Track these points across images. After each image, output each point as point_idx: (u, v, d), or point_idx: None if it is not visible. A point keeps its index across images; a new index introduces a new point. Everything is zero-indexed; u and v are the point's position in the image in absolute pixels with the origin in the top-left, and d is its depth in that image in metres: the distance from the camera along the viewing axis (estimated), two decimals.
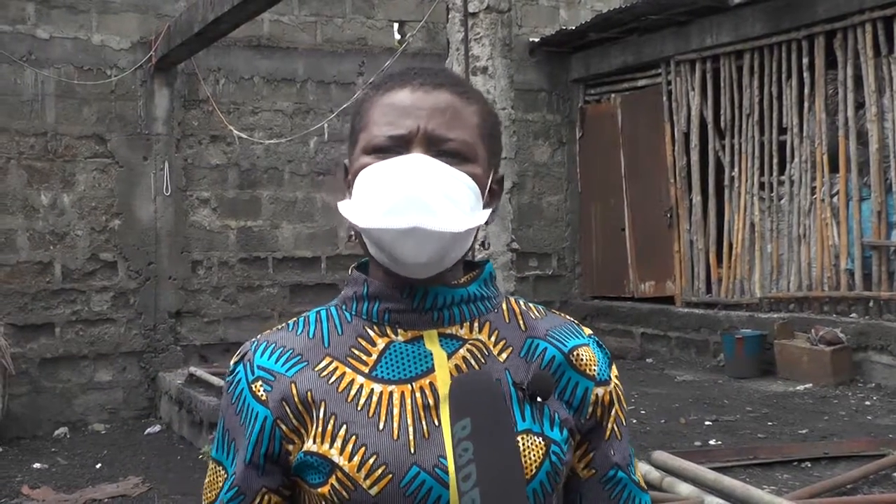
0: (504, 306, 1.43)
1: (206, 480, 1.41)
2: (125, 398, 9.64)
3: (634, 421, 7.45)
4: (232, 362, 1.40)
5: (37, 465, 7.93)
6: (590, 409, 1.39)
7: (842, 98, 9.02)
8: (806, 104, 9.34)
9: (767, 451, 6.30)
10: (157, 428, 9.19)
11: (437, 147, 1.31)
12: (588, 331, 1.46)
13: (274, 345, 1.37)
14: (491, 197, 1.40)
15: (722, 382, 9.05)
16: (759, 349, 9.18)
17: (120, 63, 9.62)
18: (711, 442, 6.84)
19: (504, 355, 1.36)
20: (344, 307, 1.40)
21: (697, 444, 6.85)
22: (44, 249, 9.34)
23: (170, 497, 6.85)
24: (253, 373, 1.35)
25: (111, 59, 9.62)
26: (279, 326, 1.42)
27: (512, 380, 1.33)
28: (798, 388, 8.53)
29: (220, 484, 1.38)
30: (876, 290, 8.71)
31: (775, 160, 9.66)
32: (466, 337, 1.36)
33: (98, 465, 7.91)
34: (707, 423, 7.46)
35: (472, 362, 1.33)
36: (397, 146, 1.31)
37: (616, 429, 1.42)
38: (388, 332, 1.35)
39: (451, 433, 1.24)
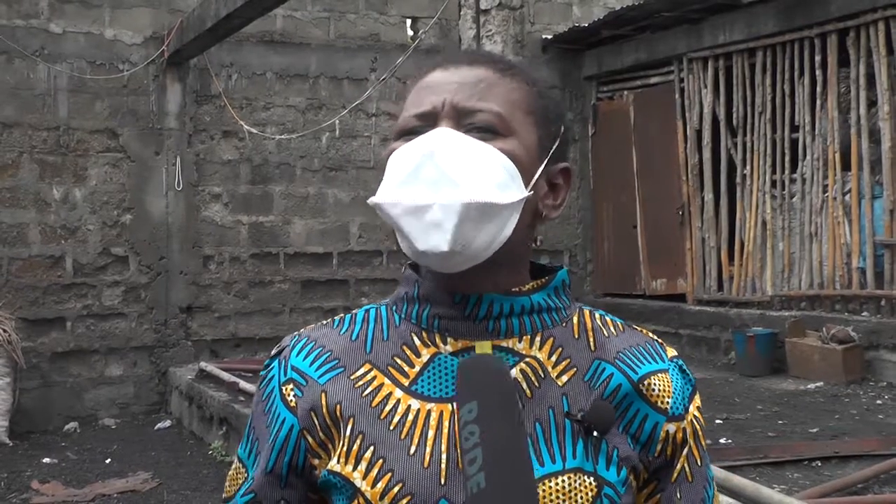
0: (575, 319, 1.29)
1: (230, 473, 1.33)
2: (136, 393, 9.67)
3: None
4: (271, 354, 1.31)
5: (46, 460, 7.95)
6: (658, 447, 1.24)
7: (854, 96, 8.98)
8: (818, 102, 9.30)
9: (778, 449, 6.27)
10: (167, 423, 9.21)
11: (466, 120, 1.19)
12: (672, 352, 1.31)
13: (313, 343, 1.27)
14: (554, 191, 1.27)
15: (733, 380, 9.02)
16: (771, 347, 9.14)
17: (132, 58, 9.65)
18: (722, 440, 6.81)
19: (565, 378, 1.22)
20: (395, 308, 1.28)
21: (708, 442, 6.79)
22: (55, 243, 9.36)
23: (179, 493, 6.86)
24: (286, 373, 1.26)
25: (124, 54, 9.64)
26: (325, 321, 1.32)
27: (567, 408, 1.19)
28: (809, 386, 8.50)
29: (240, 483, 1.29)
30: (888, 288, 8.67)
31: (787, 158, 9.62)
32: (524, 353, 1.22)
33: (108, 461, 7.93)
34: (718, 421, 7.43)
35: (524, 385, 1.19)
36: (424, 125, 1.20)
37: (686, 469, 1.27)
38: (437, 340, 1.22)
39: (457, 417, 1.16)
